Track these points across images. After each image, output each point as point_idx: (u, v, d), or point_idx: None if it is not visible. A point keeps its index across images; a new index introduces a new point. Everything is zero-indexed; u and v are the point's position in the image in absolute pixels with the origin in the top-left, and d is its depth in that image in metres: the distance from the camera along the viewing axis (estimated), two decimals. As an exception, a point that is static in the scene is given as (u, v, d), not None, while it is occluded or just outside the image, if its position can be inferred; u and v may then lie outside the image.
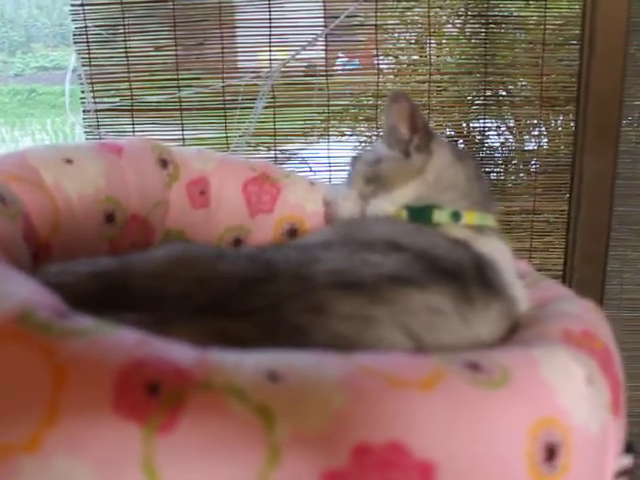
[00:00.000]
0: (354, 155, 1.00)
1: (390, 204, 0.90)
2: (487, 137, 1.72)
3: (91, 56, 1.58)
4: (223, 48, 1.59)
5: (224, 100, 1.61)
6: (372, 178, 0.92)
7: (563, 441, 0.54)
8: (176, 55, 1.59)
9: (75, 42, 1.58)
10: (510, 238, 1.65)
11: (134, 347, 0.48)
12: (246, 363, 0.48)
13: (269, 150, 1.66)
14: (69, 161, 0.83)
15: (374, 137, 1.65)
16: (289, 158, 1.69)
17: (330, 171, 1.65)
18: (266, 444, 0.44)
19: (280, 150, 1.66)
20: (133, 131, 1.63)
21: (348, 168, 1.00)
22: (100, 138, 1.61)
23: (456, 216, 0.86)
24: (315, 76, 1.62)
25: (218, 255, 0.66)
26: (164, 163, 0.95)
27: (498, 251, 0.84)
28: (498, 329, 0.70)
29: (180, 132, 1.63)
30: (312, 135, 1.67)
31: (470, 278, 0.70)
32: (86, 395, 0.45)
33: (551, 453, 0.53)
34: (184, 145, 1.63)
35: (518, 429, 0.52)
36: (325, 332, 0.59)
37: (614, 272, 1.73)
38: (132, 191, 0.88)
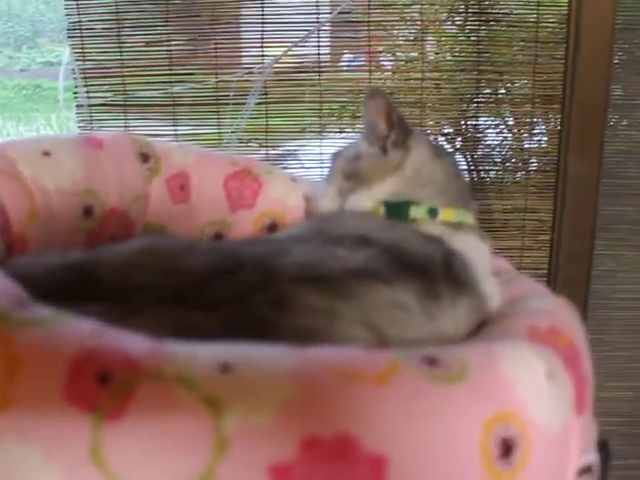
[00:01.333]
0: (335, 151, 1.00)
1: (368, 200, 0.90)
2: (485, 135, 1.72)
3: (85, 51, 1.59)
4: (216, 44, 1.59)
5: (217, 96, 1.62)
6: (351, 174, 0.92)
7: (521, 436, 0.54)
8: (169, 51, 1.59)
9: (69, 37, 1.58)
10: (502, 236, 1.67)
11: (88, 337, 0.48)
12: (199, 354, 0.49)
13: (261, 147, 1.66)
14: (47, 154, 0.83)
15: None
16: (281, 155, 1.69)
17: (322, 168, 1.65)
18: (214, 435, 0.45)
19: (272, 146, 1.66)
20: (125, 126, 1.63)
21: (329, 164, 1.00)
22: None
23: (433, 212, 0.87)
24: (307, 72, 1.62)
25: (187, 247, 0.67)
26: (145, 157, 0.95)
27: (473, 248, 0.84)
28: (465, 325, 0.70)
29: (173, 128, 1.63)
30: (304, 132, 1.67)
31: (438, 274, 0.71)
32: (38, 383, 0.46)
33: (507, 449, 0.53)
34: (177, 141, 1.63)
35: (473, 424, 0.52)
36: (289, 325, 0.60)
37: (608, 271, 1.74)
38: (111, 185, 0.89)
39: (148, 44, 1.61)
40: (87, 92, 1.61)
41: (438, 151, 0.94)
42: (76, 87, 1.61)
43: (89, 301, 0.59)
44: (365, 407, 0.49)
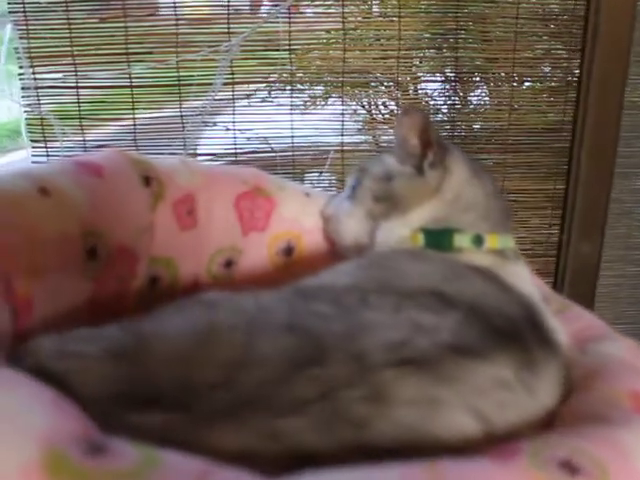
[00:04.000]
0: (359, 166, 0.90)
1: (404, 227, 0.82)
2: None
3: (29, 28, 1.42)
4: (177, 19, 1.44)
5: (179, 76, 1.48)
6: (383, 197, 0.84)
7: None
8: (125, 27, 1.43)
9: (10, 12, 1.41)
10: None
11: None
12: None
13: (228, 130, 1.54)
14: (45, 192, 0.70)
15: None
16: (249, 138, 1.57)
17: (293, 151, 1.55)
18: None
19: (240, 130, 1.54)
20: (79, 110, 1.48)
21: (350, 178, 0.91)
22: (42, 118, 1.47)
23: (479, 241, 0.79)
24: (278, 50, 1.50)
25: (250, 325, 0.56)
26: (147, 180, 0.83)
27: (526, 280, 0.78)
28: (558, 390, 0.63)
29: (131, 111, 1.49)
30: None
31: (529, 336, 0.63)
32: None
33: None
34: (135, 125, 1.50)
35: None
36: (388, 422, 0.51)
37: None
38: (116, 219, 0.76)
39: (100, 20, 1.45)
40: (33, 73, 1.44)
41: (476, 170, 0.86)
42: (21, 67, 1.44)
43: (144, 405, 0.50)
44: None
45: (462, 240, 0.79)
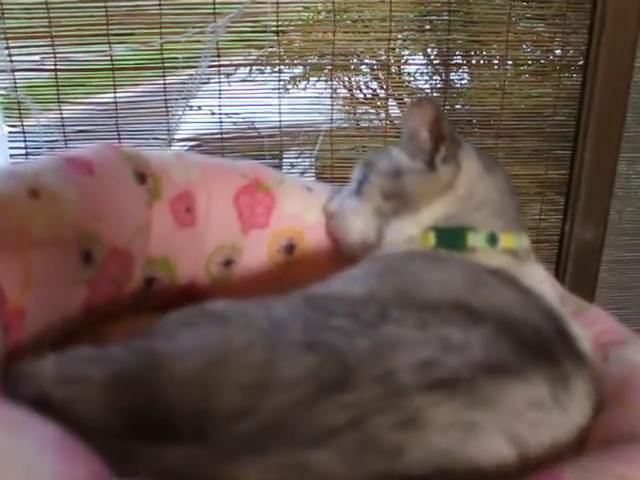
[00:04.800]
0: (365, 160, 0.86)
1: (415, 225, 0.78)
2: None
3: (4, 7, 1.35)
4: (161, -1, 1.38)
5: (162, 59, 1.42)
6: (392, 193, 0.80)
7: None
8: (106, 6, 1.37)
9: (-17, -10, 1.34)
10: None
11: None
12: None
13: (214, 114, 1.48)
14: (35, 193, 0.64)
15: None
16: (235, 122, 1.51)
17: (281, 133, 1.50)
18: None
19: (226, 114, 1.48)
20: (57, 94, 1.41)
21: (355, 172, 0.86)
22: (18, 102, 1.40)
23: (493, 240, 0.76)
24: (265, 32, 1.44)
25: (268, 344, 0.52)
26: (142, 177, 0.78)
27: (542, 282, 0.75)
28: (589, 405, 0.59)
29: (112, 95, 1.43)
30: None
31: (558, 349, 0.59)
32: None
33: None
34: (117, 110, 1.43)
35: None
36: (422, 449, 0.48)
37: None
38: (111, 220, 0.72)
39: (81, -1, 1.38)
40: (9, 55, 1.37)
41: (489, 165, 0.82)
42: (-4, 49, 1.37)
43: (158, 436, 0.46)
44: None
45: (476, 239, 0.75)
